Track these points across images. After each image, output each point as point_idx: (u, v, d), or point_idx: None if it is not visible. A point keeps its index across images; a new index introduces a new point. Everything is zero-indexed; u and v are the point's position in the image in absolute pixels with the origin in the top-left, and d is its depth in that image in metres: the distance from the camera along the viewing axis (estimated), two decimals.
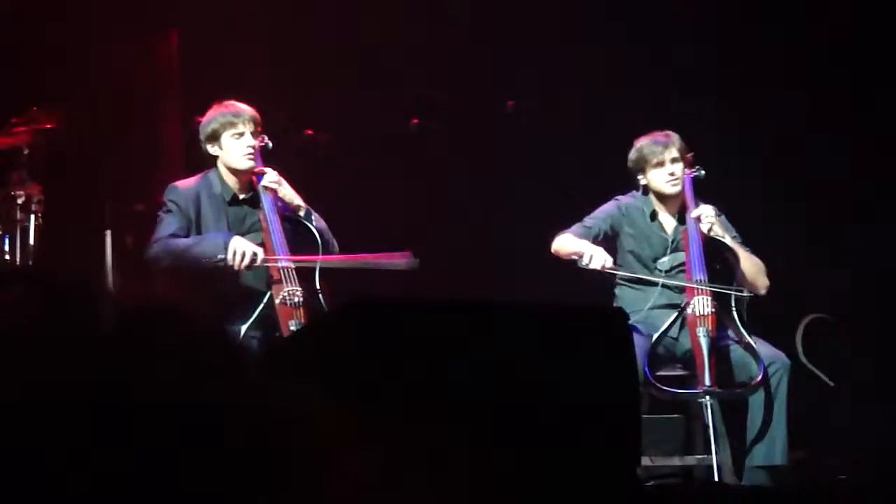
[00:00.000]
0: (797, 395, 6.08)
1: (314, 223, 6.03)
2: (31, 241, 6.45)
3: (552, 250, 6.31)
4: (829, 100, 7.52)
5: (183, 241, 5.84)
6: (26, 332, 1.06)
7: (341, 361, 2.92)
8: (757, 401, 6.00)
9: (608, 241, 6.35)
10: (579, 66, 7.69)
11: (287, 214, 6.02)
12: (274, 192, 5.97)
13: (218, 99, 6.10)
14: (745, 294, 6.11)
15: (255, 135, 5.95)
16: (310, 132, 6.73)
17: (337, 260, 5.98)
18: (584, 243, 6.22)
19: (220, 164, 6.01)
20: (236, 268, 5.68)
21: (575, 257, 6.18)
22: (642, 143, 6.37)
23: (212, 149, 5.99)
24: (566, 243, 6.29)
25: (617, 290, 6.41)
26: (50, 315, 1.09)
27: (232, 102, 6.02)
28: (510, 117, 7.25)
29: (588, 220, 6.39)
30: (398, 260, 5.95)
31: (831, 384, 6.95)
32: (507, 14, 7.74)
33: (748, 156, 7.46)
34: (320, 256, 5.91)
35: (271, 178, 5.98)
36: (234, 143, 5.95)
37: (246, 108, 5.98)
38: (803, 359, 6.98)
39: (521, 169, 7.68)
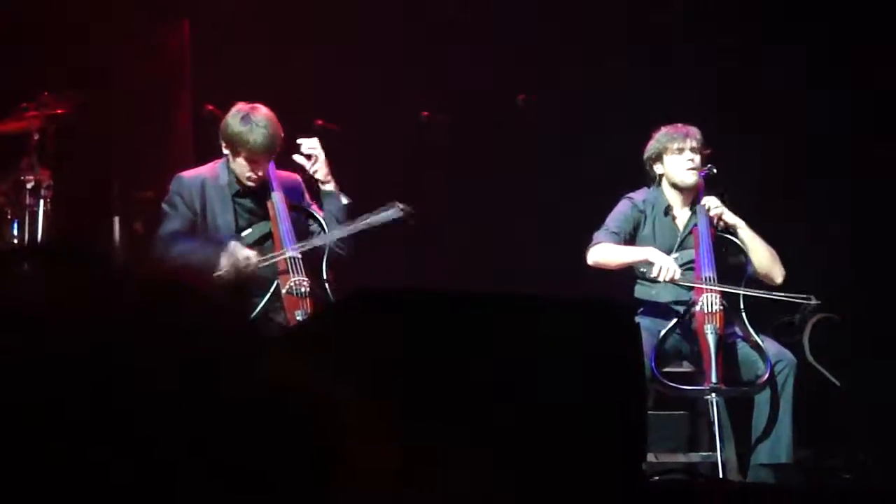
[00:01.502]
0: (803, 393, 6.08)
1: (341, 200, 6.00)
2: (40, 226, 6.45)
3: (592, 262, 6.24)
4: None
5: (182, 248, 5.81)
6: (40, 308, 1.06)
7: (346, 352, 2.92)
8: (763, 399, 6.00)
9: (630, 242, 6.32)
10: (580, 65, 7.69)
11: (295, 204, 6.00)
12: (283, 180, 5.95)
13: (228, 88, 6.07)
14: (757, 293, 6.09)
15: None
16: (320, 122, 6.71)
17: (333, 234, 5.94)
18: (650, 250, 6.18)
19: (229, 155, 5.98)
20: (232, 276, 5.66)
21: (642, 268, 6.15)
22: (662, 132, 6.36)
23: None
24: (617, 253, 6.23)
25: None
26: (64, 289, 1.08)
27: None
28: (519, 112, 7.23)
29: (612, 226, 6.32)
30: (388, 213, 5.90)
31: (837, 384, 6.93)
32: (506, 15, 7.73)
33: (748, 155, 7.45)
34: (320, 239, 5.90)
35: (311, 144, 5.97)
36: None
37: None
38: (810, 358, 6.96)
39: (530, 166, 7.67)
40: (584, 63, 7.71)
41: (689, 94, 7.37)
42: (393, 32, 7.77)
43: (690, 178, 6.29)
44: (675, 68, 7.63)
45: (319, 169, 6.01)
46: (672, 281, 6.07)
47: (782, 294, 6.13)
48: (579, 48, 7.69)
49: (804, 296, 6.11)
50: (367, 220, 5.90)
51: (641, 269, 6.17)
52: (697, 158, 6.29)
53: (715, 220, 6.22)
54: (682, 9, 7.73)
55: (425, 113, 7.18)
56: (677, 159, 6.30)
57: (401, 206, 5.87)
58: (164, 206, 5.98)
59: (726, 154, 6.52)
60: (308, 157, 6.01)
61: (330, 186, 6.04)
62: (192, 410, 1.03)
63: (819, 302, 6.10)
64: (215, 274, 5.60)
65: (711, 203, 6.23)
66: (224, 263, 5.69)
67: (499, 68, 7.67)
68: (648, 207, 6.39)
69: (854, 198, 7.55)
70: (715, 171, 6.34)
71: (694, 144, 6.28)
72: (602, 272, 6.25)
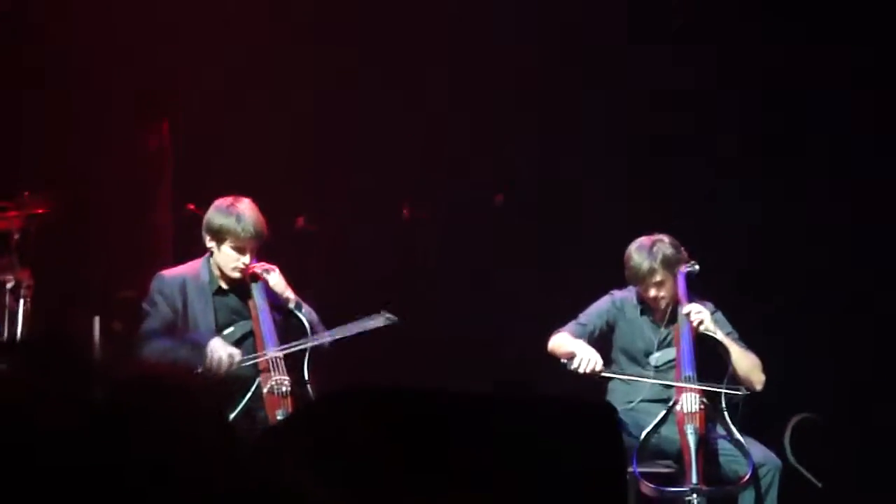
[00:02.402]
0: (787, 496, 6.06)
1: (305, 315, 6.00)
2: (20, 325, 6.43)
3: (549, 349, 6.32)
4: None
5: (163, 345, 5.80)
6: (18, 407, 1.05)
7: (327, 450, 2.90)
8: (747, 497, 5.96)
9: (604, 337, 6.35)
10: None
11: (277, 304, 5.99)
12: (265, 280, 5.95)
13: (209, 187, 6.09)
14: (738, 392, 6.08)
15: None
16: (301, 221, 6.74)
17: (318, 338, 5.94)
18: (578, 344, 6.22)
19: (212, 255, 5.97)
20: (214, 374, 5.64)
21: (563, 359, 6.18)
22: (629, 254, 6.34)
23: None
24: (562, 343, 6.29)
25: (609, 384, 6.40)
26: (42, 388, 1.08)
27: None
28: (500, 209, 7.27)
29: (583, 318, 6.39)
30: (375, 320, 5.90)
31: (819, 484, 6.91)
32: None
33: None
34: (303, 342, 5.89)
35: (263, 266, 5.97)
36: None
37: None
38: (791, 459, 6.94)
39: (520, 260, 7.69)
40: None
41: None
42: (372, 129, 7.80)
43: (659, 306, 6.33)
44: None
45: (276, 286, 5.99)
46: (594, 373, 6.08)
47: (714, 385, 6.11)
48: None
49: (735, 387, 6.10)
50: (354, 328, 5.90)
51: (563, 362, 6.17)
52: (664, 290, 6.29)
53: (696, 326, 6.21)
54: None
55: (406, 211, 7.21)
56: (645, 288, 6.33)
57: (387, 315, 5.87)
58: (144, 305, 5.96)
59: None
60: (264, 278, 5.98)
61: (292, 304, 6.02)
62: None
63: (745, 392, 6.08)
64: (196, 372, 5.58)
65: (694, 310, 6.21)
66: (207, 361, 5.67)
67: (481, 165, 7.72)
68: (629, 306, 6.42)
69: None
70: (697, 267, 6.34)
71: (658, 279, 6.27)
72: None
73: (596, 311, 6.41)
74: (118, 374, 1.14)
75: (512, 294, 7.58)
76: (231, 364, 5.68)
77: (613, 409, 3.92)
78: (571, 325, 6.35)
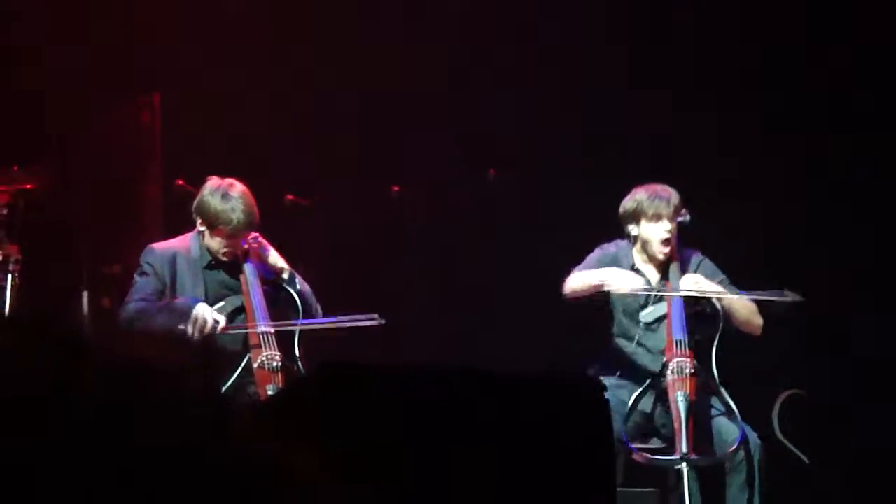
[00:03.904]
0: (773, 471, 6.07)
1: (297, 286, 6.01)
2: (8, 301, 6.42)
3: (567, 292, 6.17)
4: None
5: (152, 307, 5.82)
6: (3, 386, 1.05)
7: (316, 426, 2.91)
8: (734, 480, 5.94)
9: (601, 292, 6.23)
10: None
11: (268, 278, 5.99)
12: (256, 254, 5.95)
13: (198, 162, 6.08)
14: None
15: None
16: (290, 197, 6.72)
17: (310, 324, 5.96)
18: (602, 269, 6.15)
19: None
20: (194, 335, 5.65)
21: (601, 285, 6.08)
22: (642, 195, 6.23)
23: None
24: (584, 277, 6.16)
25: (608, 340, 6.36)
26: (28, 367, 1.08)
27: None
28: (491, 185, 7.25)
29: (589, 264, 6.27)
30: (364, 322, 5.91)
31: (807, 461, 6.92)
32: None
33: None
34: (296, 322, 5.90)
35: (256, 240, 5.97)
36: None
37: None
38: (779, 435, 6.96)
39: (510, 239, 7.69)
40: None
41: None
42: (364, 105, 7.79)
43: (661, 252, 6.23)
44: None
45: (268, 259, 5.99)
46: (635, 291, 6.08)
47: (759, 293, 6.10)
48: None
49: (778, 291, 6.08)
50: (342, 322, 5.92)
51: (608, 287, 6.11)
52: (673, 228, 6.22)
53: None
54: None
55: (396, 188, 7.20)
56: (653, 228, 6.20)
57: (379, 319, 5.87)
58: (135, 276, 5.95)
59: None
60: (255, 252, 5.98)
61: (286, 274, 6.03)
62: (157, 486, 1.03)
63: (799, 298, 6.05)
64: (180, 334, 5.60)
65: (689, 284, 6.16)
66: (191, 322, 5.68)
67: (472, 143, 7.70)
68: (622, 258, 6.30)
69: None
70: (688, 217, 6.24)
71: (671, 214, 6.18)
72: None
73: (597, 260, 6.29)
74: (107, 350, 1.14)
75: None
76: (214, 328, 5.69)
77: (600, 384, 3.93)
78: (580, 267, 6.25)
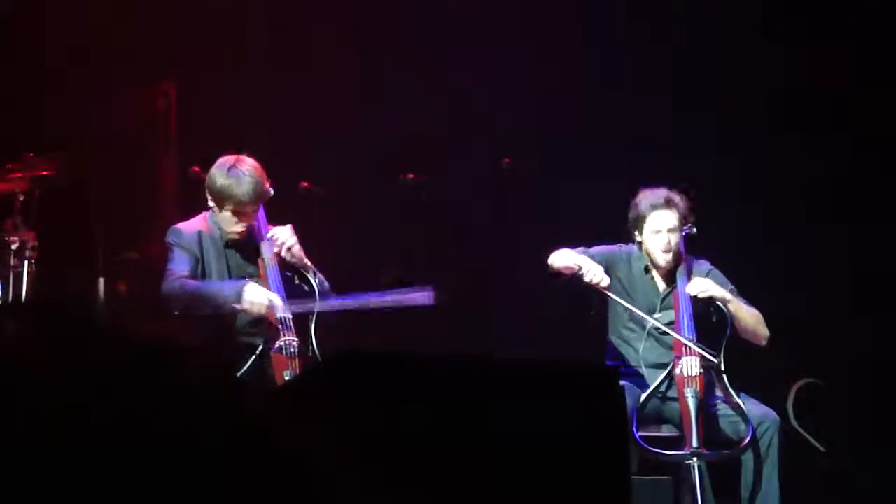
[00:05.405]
0: (790, 453, 6.08)
1: (316, 277, 5.95)
2: (25, 287, 6.44)
3: (549, 262, 6.19)
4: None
5: (197, 283, 5.79)
6: (29, 367, 1.06)
7: (333, 412, 2.91)
8: (749, 461, 5.98)
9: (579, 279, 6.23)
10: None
11: (288, 266, 5.95)
12: (279, 244, 5.90)
13: (215, 150, 6.05)
14: (714, 360, 6.06)
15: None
16: (305, 184, 6.72)
17: (358, 303, 5.90)
18: (586, 258, 6.16)
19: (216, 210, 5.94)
20: (252, 314, 5.65)
21: (575, 268, 6.10)
22: (644, 205, 6.30)
23: None
24: (565, 256, 6.18)
25: (609, 343, 6.39)
26: (52, 348, 1.08)
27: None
28: (506, 174, 7.25)
29: (591, 251, 6.30)
30: (419, 296, 5.88)
31: (822, 449, 6.93)
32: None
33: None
34: (338, 301, 5.87)
35: (281, 237, 5.94)
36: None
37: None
38: (794, 423, 6.96)
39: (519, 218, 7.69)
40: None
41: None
42: (379, 94, 7.79)
43: (664, 260, 6.28)
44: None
45: (294, 256, 5.95)
46: (598, 287, 6.06)
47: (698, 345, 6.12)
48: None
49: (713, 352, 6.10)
50: (396, 301, 5.89)
51: (580, 273, 6.10)
52: (675, 237, 6.26)
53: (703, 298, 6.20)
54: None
55: (410, 175, 7.20)
56: (654, 239, 6.28)
57: (433, 294, 5.82)
58: (170, 248, 5.86)
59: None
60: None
61: (307, 271, 5.98)
62: (174, 468, 1.03)
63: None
64: (238, 309, 5.59)
65: (699, 288, 6.18)
66: (247, 304, 5.66)
67: (486, 132, 7.70)
68: (635, 260, 6.36)
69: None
70: (695, 229, 6.31)
71: (672, 224, 6.24)
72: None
73: (600, 249, 6.33)
74: (125, 336, 1.15)
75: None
76: (269, 309, 5.66)
77: (615, 371, 3.94)
78: (577, 250, 6.27)
